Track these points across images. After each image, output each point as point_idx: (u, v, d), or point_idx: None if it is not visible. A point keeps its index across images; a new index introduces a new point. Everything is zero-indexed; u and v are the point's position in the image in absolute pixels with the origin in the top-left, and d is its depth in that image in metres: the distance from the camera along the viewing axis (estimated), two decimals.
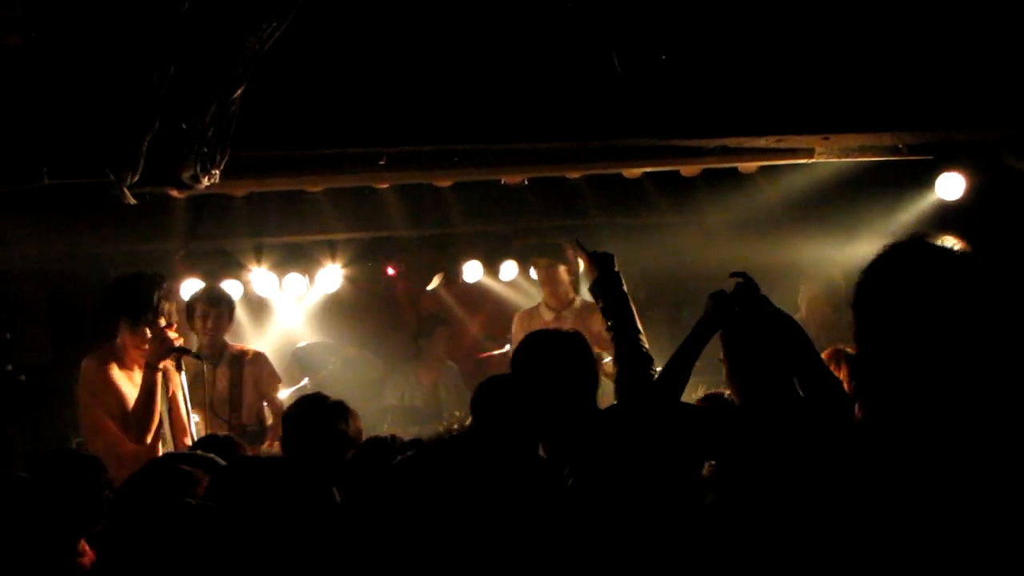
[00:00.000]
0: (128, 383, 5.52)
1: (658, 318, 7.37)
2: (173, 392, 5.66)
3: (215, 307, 6.81)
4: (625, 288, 4.73)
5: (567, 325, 6.64)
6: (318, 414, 4.45)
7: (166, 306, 5.65)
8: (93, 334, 6.63)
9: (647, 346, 4.49)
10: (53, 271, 7.93)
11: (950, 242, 2.40)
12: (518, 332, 7.10)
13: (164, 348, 5.42)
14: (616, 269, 4.78)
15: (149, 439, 5.37)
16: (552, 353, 4.07)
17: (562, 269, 6.88)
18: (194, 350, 6.12)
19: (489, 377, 4.48)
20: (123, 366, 5.57)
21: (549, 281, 6.87)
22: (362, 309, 9.31)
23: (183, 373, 5.65)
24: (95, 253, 7.70)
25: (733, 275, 4.83)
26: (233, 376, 6.64)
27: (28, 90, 4.80)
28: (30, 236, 6.94)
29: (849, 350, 4.80)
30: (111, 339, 5.66)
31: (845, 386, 4.45)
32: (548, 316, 6.89)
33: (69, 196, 5.69)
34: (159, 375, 5.44)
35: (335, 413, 4.48)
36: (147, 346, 5.48)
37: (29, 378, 7.86)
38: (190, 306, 6.91)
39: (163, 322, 5.55)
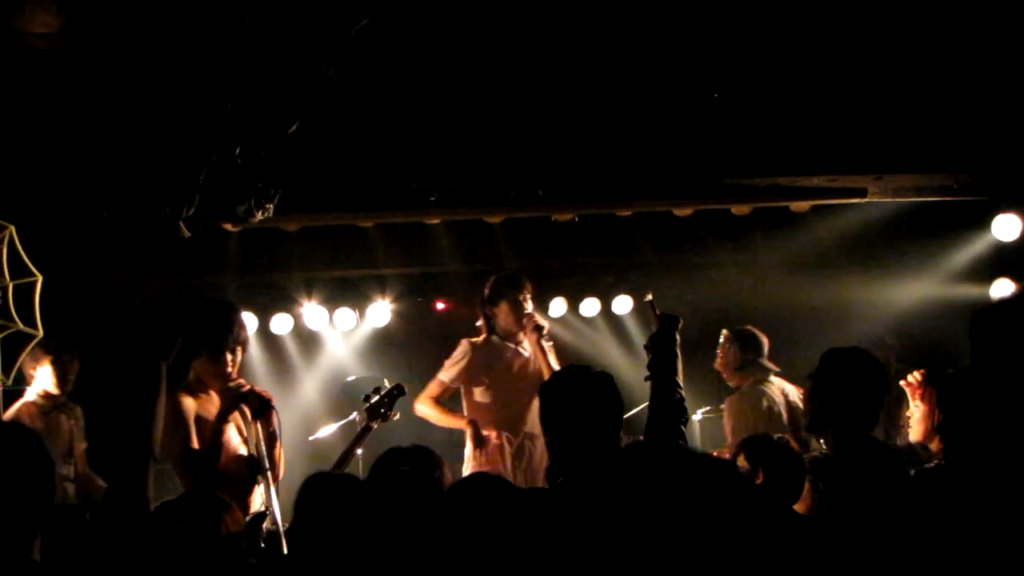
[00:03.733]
0: (211, 414, 5.24)
1: (707, 359, 7.28)
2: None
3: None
4: (678, 350, 4.73)
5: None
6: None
7: (244, 334, 5.33)
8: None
9: (682, 396, 4.50)
10: (107, 304, 8.02)
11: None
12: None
13: (233, 398, 5.15)
14: (677, 334, 4.78)
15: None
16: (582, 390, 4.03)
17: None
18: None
19: None
20: (202, 395, 5.30)
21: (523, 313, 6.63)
22: (411, 344, 9.33)
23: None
24: (148, 285, 7.77)
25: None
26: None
27: (89, 124, 4.88)
28: (87, 268, 7.03)
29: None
30: (182, 376, 5.18)
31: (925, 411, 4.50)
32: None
33: (126, 228, 5.76)
34: (228, 425, 5.15)
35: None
36: (228, 377, 5.19)
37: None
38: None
39: (238, 359, 5.26)
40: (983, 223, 7.41)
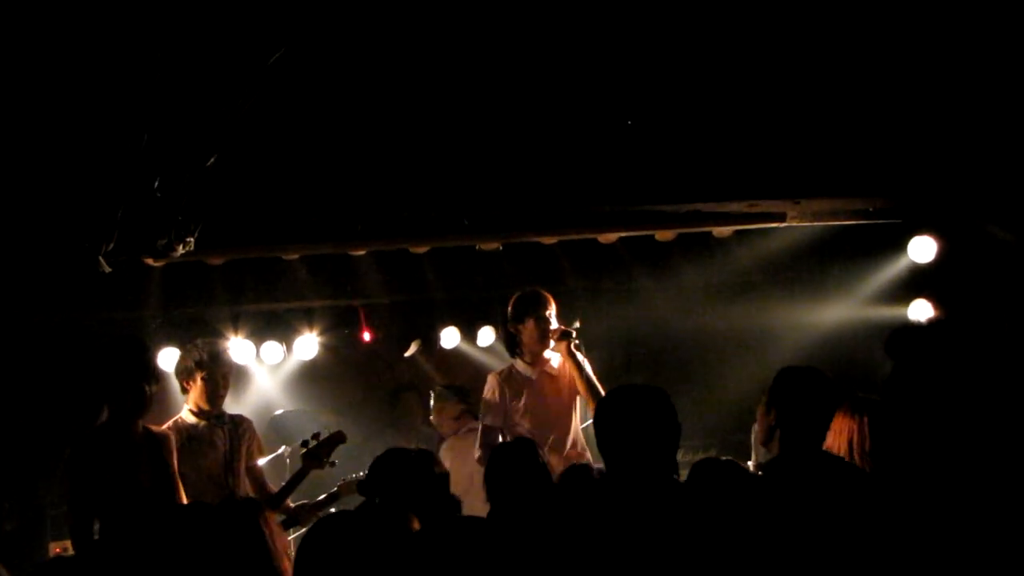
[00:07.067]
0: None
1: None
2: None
3: (225, 366, 6.54)
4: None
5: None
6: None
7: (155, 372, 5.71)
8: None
9: None
10: (28, 339, 7.88)
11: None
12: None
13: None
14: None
15: None
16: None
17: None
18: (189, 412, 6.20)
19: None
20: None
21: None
22: (339, 377, 9.26)
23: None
24: (71, 321, 7.66)
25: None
26: (233, 442, 6.32)
27: (3, 161, 4.82)
28: (7, 306, 6.91)
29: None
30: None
31: (858, 435, 4.50)
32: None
33: (46, 265, 5.68)
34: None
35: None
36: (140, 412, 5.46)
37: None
38: (196, 366, 6.38)
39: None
40: (900, 245, 7.56)
